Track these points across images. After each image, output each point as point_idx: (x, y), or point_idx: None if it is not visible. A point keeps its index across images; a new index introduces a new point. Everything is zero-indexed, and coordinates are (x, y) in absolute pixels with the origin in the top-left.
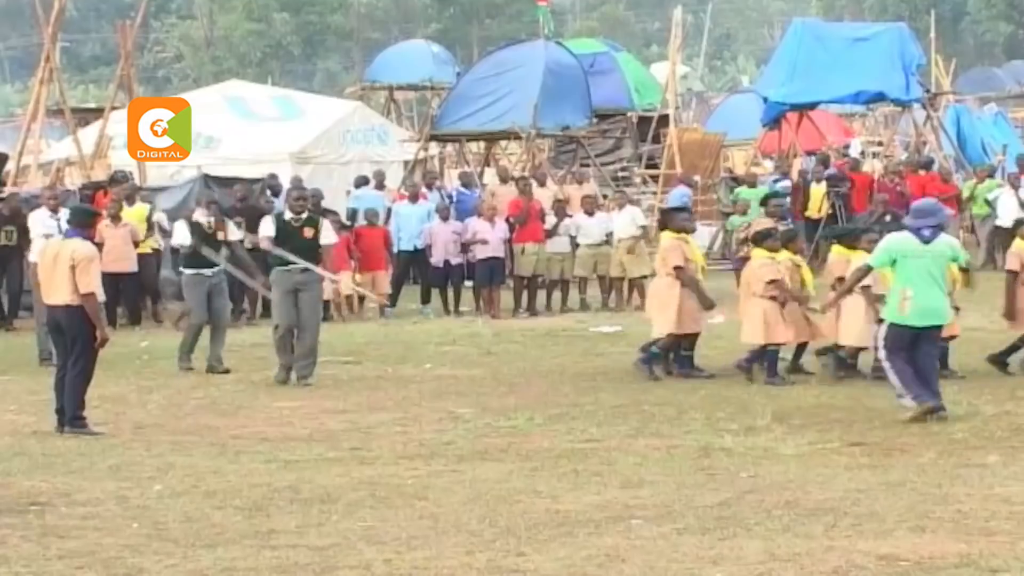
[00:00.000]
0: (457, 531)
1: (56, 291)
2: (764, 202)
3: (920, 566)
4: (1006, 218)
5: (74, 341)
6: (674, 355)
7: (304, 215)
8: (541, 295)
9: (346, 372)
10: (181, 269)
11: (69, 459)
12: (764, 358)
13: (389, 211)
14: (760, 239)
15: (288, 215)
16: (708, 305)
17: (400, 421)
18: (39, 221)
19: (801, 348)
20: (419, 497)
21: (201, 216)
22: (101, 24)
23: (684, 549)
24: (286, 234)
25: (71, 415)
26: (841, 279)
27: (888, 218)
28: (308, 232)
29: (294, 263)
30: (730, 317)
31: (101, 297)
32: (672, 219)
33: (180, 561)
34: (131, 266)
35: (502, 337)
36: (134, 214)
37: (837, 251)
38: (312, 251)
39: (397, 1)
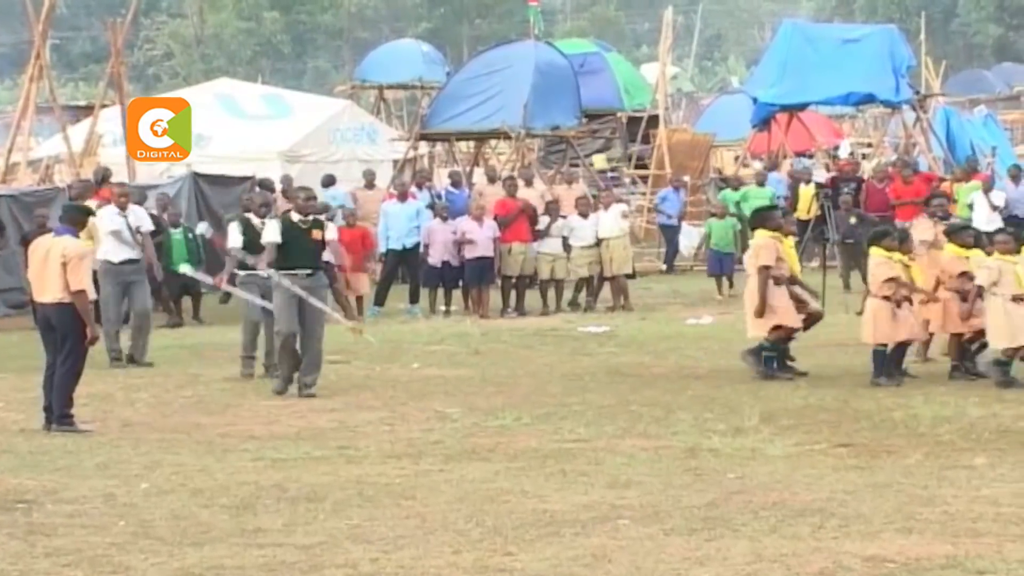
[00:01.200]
0: (444, 530)
1: (47, 289)
2: (927, 202)
3: (907, 567)
4: (981, 222)
5: (64, 339)
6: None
7: (311, 217)
8: (532, 295)
9: (334, 371)
10: (235, 271)
11: (56, 457)
12: (874, 358)
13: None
14: (878, 238)
15: (295, 216)
16: (801, 304)
17: (387, 420)
18: (108, 218)
19: (904, 347)
20: (406, 496)
21: (254, 217)
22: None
23: (671, 549)
24: (292, 236)
25: (59, 413)
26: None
27: (854, 220)
28: (316, 235)
29: (300, 270)
30: (719, 319)
31: (92, 295)
32: (769, 218)
33: (167, 559)
34: None
35: (490, 337)
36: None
37: (952, 250)
38: (318, 255)
39: (387, 0)
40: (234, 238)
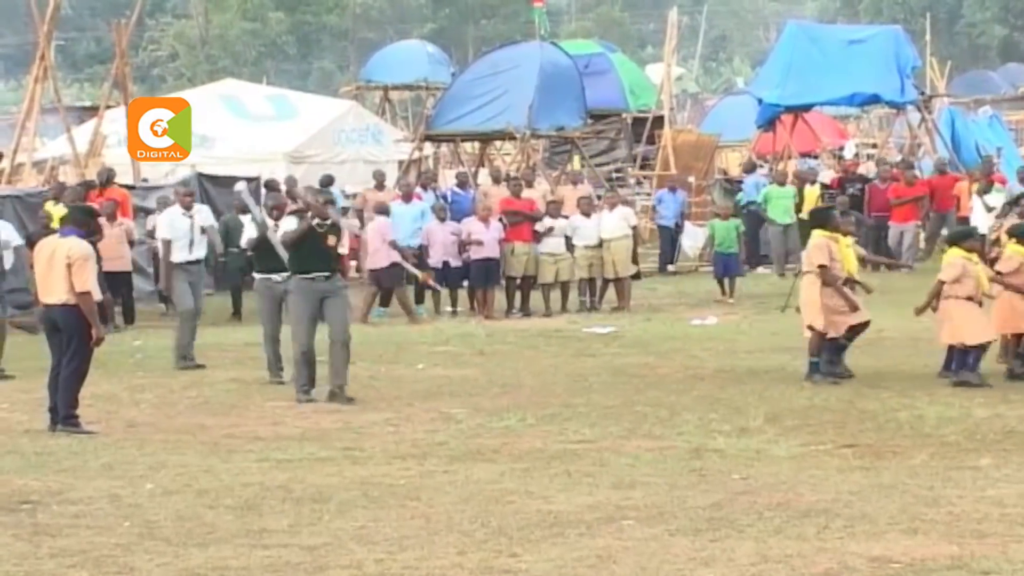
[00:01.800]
0: (449, 531)
1: (52, 290)
2: (1017, 201)
3: (912, 568)
4: (978, 223)
5: (70, 340)
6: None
7: (328, 221)
8: (536, 296)
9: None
10: (254, 275)
11: (61, 457)
12: (954, 357)
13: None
14: (961, 238)
15: (313, 220)
16: (853, 306)
17: (392, 421)
18: (172, 218)
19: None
20: (411, 497)
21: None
22: (96, 22)
23: (676, 550)
24: (310, 239)
25: (64, 414)
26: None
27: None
28: (331, 240)
29: (317, 273)
30: (724, 319)
31: (98, 296)
32: (829, 219)
33: (172, 560)
34: (125, 265)
35: (495, 338)
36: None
37: (1013, 249)
38: (333, 260)
39: (393, 1)
40: (249, 233)
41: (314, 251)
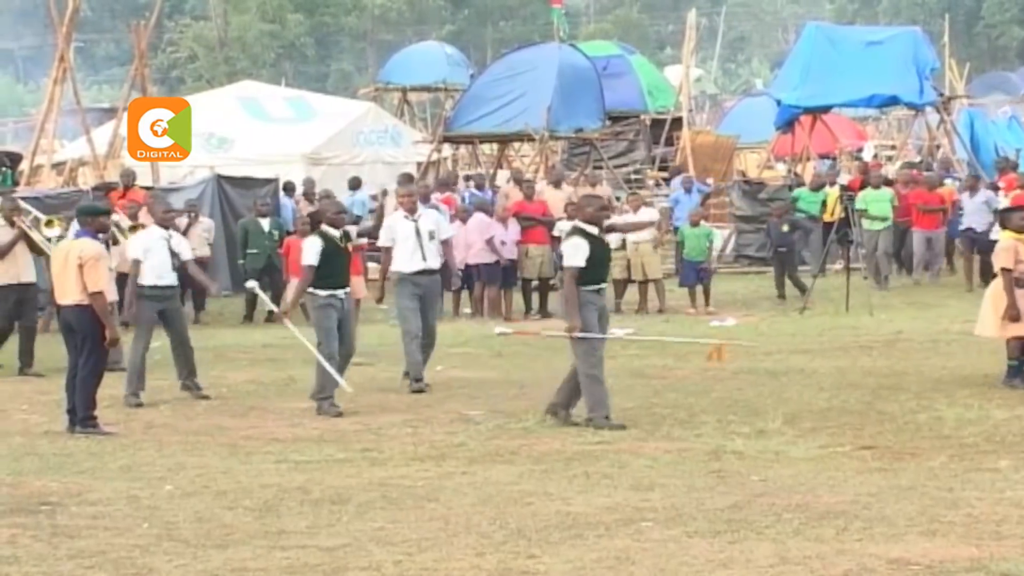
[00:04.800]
0: (467, 533)
1: (66, 291)
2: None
3: (931, 570)
4: (973, 224)
5: (84, 341)
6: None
7: (342, 230)
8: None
9: (358, 373)
10: (313, 291)
11: (80, 459)
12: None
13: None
14: (1005, 220)
15: (332, 231)
16: (1014, 315)
17: (411, 423)
18: (396, 221)
19: None
20: (430, 499)
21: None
22: (115, 24)
23: (694, 552)
24: (332, 252)
25: (82, 415)
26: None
27: (786, 228)
28: (350, 247)
29: (339, 290)
30: (743, 321)
31: (113, 296)
32: (1010, 219)
33: (190, 561)
34: None
35: (513, 339)
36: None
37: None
38: (348, 269)
39: (411, 3)
40: (311, 255)
41: (339, 265)
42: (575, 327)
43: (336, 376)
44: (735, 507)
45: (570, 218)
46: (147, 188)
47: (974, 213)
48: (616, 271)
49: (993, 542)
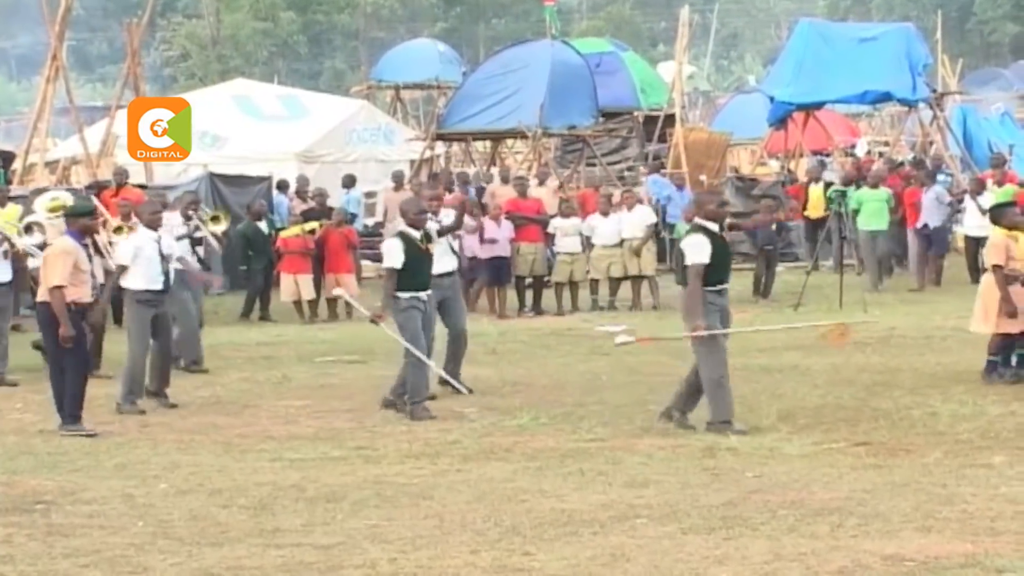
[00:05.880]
0: (462, 530)
1: (43, 289)
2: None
3: (926, 566)
4: (972, 227)
5: (53, 338)
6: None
7: (423, 231)
8: (548, 295)
9: (352, 371)
10: (397, 294)
11: (75, 458)
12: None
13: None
14: (997, 215)
15: (413, 233)
16: (1011, 312)
17: (405, 420)
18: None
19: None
20: (424, 496)
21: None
22: (108, 23)
23: (689, 549)
24: (415, 254)
25: (68, 412)
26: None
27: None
28: (431, 248)
29: (422, 291)
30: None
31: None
32: (1003, 215)
33: (185, 559)
34: None
35: (507, 336)
36: (5, 215)
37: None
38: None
39: (404, 0)
40: (394, 257)
41: (422, 267)
42: (699, 327)
43: (452, 380)
44: (730, 504)
45: (688, 218)
46: (141, 186)
47: (928, 209)
48: (607, 270)
49: (988, 538)
